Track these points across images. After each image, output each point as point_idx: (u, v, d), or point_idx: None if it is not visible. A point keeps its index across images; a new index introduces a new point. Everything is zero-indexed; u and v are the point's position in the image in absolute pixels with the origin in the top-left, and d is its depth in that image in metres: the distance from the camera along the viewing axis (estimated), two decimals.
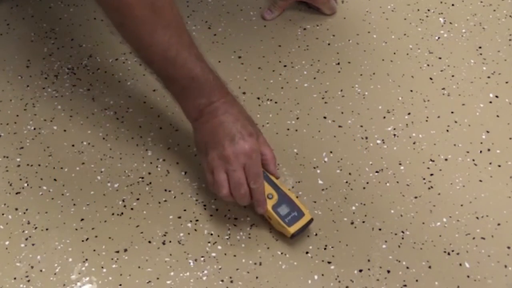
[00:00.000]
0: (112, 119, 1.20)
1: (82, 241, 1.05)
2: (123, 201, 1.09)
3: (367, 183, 1.11)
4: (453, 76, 1.26)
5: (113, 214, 1.08)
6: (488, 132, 1.18)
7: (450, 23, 1.36)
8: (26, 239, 1.05)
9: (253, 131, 1.03)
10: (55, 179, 1.12)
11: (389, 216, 1.07)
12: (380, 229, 1.06)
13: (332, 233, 1.05)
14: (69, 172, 1.13)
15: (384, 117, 1.20)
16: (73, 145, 1.16)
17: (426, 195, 1.10)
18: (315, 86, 1.25)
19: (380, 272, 1.01)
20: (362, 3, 1.39)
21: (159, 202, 1.09)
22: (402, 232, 1.06)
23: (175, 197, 1.10)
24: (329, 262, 1.02)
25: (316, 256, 1.03)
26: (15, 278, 1.01)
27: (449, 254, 1.03)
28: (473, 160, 1.14)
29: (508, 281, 1.00)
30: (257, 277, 1.01)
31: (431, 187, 1.11)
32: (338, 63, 1.29)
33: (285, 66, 1.28)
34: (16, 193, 1.10)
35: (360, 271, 1.02)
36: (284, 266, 1.02)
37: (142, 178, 1.12)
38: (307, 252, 1.04)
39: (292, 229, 1.02)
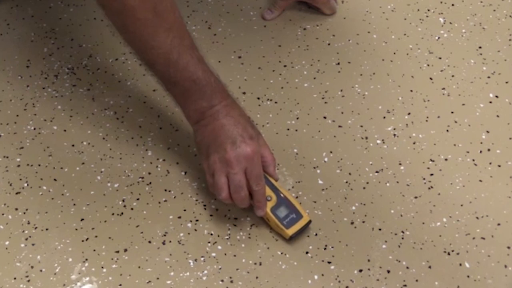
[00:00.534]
0: (112, 119, 1.20)
1: (82, 241, 1.05)
2: (123, 201, 1.09)
3: (367, 183, 1.11)
4: (453, 76, 1.26)
5: (113, 214, 1.08)
6: (488, 132, 1.18)
7: (450, 23, 1.36)
8: (26, 239, 1.05)
9: (253, 134, 1.03)
10: (55, 179, 1.12)
11: (389, 216, 1.07)
12: (380, 229, 1.06)
13: (332, 233, 1.05)
14: (69, 172, 1.13)
15: (384, 117, 1.20)
16: (73, 145, 1.16)
17: (426, 195, 1.10)
18: (315, 86, 1.25)
19: (380, 272, 1.01)
20: (362, 3, 1.39)
21: (159, 202, 1.09)
22: (402, 232, 1.06)
23: (175, 197, 1.10)
24: (329, 262, 1.02)
25: (316, 256, 1.03)
26: (15, 278, 1.01)
27: (449, 254, 1.03)
28: (473, 160, 1.14)
29: (508, 281, 1.00)
30: (257, 277, 1.01)
31: (431, 187, 1.11)
32: (338, 63, 1.29)
33: (285, 66, 1.28)
34: (16, 193, 1.10)
35: (360, 271, 1.02)
36: (284, 266, 1.02)
37: (142, 178, 1.12)
38: (307, 252, 1.03)
39: (290, 231, 1.03)
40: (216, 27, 1.34)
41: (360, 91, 1.24)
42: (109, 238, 1.05)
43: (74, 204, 1.09)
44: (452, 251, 1.03)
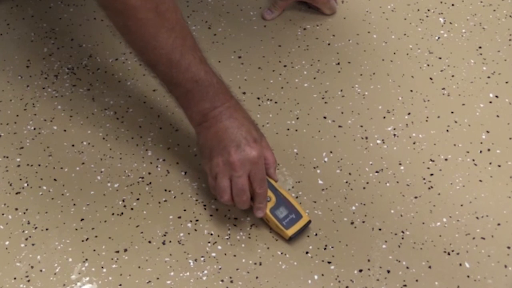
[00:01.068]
0: (112, 119, 1.20)
1: (82, 241, 1.05)
2: (123, 201, 1.09)
3: (367, 183, 1.11)
4: (453, 76, 1.26)
5: (113, 214, 1.08)
6: (488, 132, 1.18)
7: (450, 23, 1.36)
8: (26, 239, 1.05)
9: (257, 136, 1.03)
10: (55, 179, 1.12)
11: (389, 216, 1.07)
12: (380, 229, 1.06)
13: (332, 233, 1.05)
14: (69, 172, 1.13)
15: (384, 117, 1.20)
16: (73, 145, 1.16)
17: (426, 195, 1.10)
18: (315, 86, 1.25)
19: (380, 272, 1.01)
20: (362, 3, 1.39)
21: (159, 202, 1.09)
22: (402, 232, 1.06)
23: (175, 197, 1.10)
24: (329, 262, 1.02)
25: (316, 256, 1.03)
26: (15, 278, 1.01)
27: (449, 254, 1.03)
28: (473, 160, 1.14)
29: (508, 281, 1.00)
30: (257, 277, 1.01)
31: (431, 187, 1.11)
32: (338, 63, 1.29)
33: (285, 66, 1.28)
34: (16, 193, 1.10)
35: (360, 271, 1.02)
36: (284, 266, 1.02)
37: (142, 178, 1.12)
38: (307, 252, 1.04)
39: (290, 231, 1.03)
40: (216, 27, 1.34)
41: (360, 91, 1.24)
42: (109, 238, 1.05)
43: (74, 204, 1.09)
44: (452, 251, 1.03)
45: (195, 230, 1.06)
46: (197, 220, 1.07)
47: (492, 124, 1.19)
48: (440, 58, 1.29)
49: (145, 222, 1.07)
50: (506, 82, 1.25)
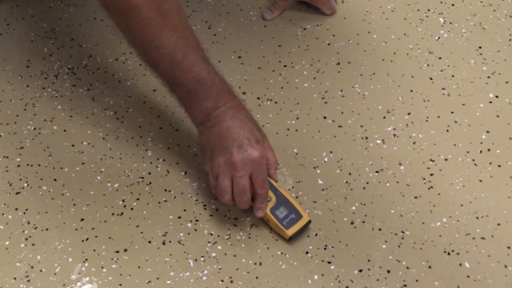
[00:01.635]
0: (112, 119, 1.20)
1: (82, 241, 1.05)
2: (123, 201, 1.09)
3: (367, 183, 1.11)
4: (453, 76, 1.26)
5: (113, 214, 1.08)
6: (488, 132, 1.18)
7: (450, 23, 1.36)
8: (26, 239, 1.05)
9: (259, 137, 1.03)
10: (55, 179, 1.12)
11: (389, 216, 1.07)
12: (380, 229, 1.06)
13: (332, 233, 1.05)
14: (69, 172, 1.13)
15: (384, 117, 1.20)
16: (73, 145, 1.16)
17: (426, 195, 1.10)
18: (315, 86, 1.25)
19: (380, 272, 1.01)
20: (362, 3, 1.39)
21: (159, 202, 1.09)
22: (402, 232, 1.06)
23: (175, 197, 1.10)
24: (329, 262, 1.02)
25: (316, 256, 1.03)
26: (15, 278, 1.01)
27: (449, 254, 1.03)
28: (473, 160, 1.14)
29: (508, 281, 1.00)
30: (257, 277, 1.01)
31: (431, 187, 1.11)
32: (338, 63, 1.29)
33: (285, 66, 1.28)
34: (16, 193, 1.10)
35: (360, 271, 1.02)
36: (284, 266, 1.02)
37: (142, 178, 1.12)
38: (307, 252, 1.04)
39: (290, 231, 1.03)
40: (216, 27, 1.34)
41: (360, 91, 1.24)
42: (109, 238, 1.05)
43: (74, 204, 1.09)
44: (452, 251, 1.03)
45: (195, 230, 1.06)
46: (197, 220, 1.07)
47: (492, 124, 1.19)
48: (440, 58, 1.29)
49: (145, 222, 1.07)
50: (506, 82, 1.25)
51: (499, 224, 1.06)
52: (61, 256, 1.03)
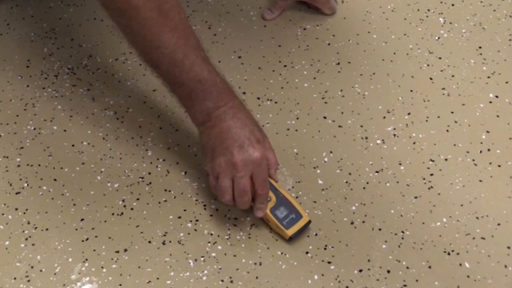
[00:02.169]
0: (112, 119, 1.20)
1: (82, 241, 1.05)
2: (123, 201, 1.09)
3: (367, 183, 1.11)
4: (453, 76, 1.26)
5: (113, 214, 1.08)
6: (488, 132, 1.18)
7: (450, 23, 1.36)
8: (26, 239, 1.05)
9: (260, 137, 1.03)
10: (55, 179, 1.12)
11: (389, 216, 1.07)
12: (380, 229, 1.06)
13: (332, 233, 1.05)
14: (69, 172, 1.13)
15: (384, 117, 1.20)
16: (73, 145, 1.16)
17: (426, 195, 1.10)
18: (315, 86, 1.25)
19: (380, 272, 1.01)
20: (362, 3, 1.39)
21: (159, 202, 1.09)
22: (402, 232, 1.06)
23: (175, 197, 1.10)
24: (329, 262, 1.02)
25: (316, 256, 1.03)
26: (15, 278, 1.01)
27: (449, 254, 1.03)
28: (473, 160, 1.14)
29: (508, 281, 1.00)
30: (257, 277, 1.01)
31: (431, 187, 1.11)
32: (338, 63, 1.29)
33: (285, 66, 1.28)
34: (16, 193, 1.10)
35: (360, 271, 1.02)
36: (284, 266, 1.02)
37: (142, 178, 1.12)
38: (307, 252, 1.04)
39: (290, 231, 1.03)
40: (216, 27, 1.34)
41: (360, 91, 1.24)
42: (109, 238, 1.05)
43: (74, 204, 1.09)
44: (452, 251, 1.03)
45: (195, 230, 1.06)
46: (197, 220, 1.07)
47: (492, 124, 1.19)
48: (440, 58, 1.29)
49: (145, 222, 1.07)
50: (506, 82, 1.25)
51: (499, 224, 1.06)
52: (61, 256, 1.03)
